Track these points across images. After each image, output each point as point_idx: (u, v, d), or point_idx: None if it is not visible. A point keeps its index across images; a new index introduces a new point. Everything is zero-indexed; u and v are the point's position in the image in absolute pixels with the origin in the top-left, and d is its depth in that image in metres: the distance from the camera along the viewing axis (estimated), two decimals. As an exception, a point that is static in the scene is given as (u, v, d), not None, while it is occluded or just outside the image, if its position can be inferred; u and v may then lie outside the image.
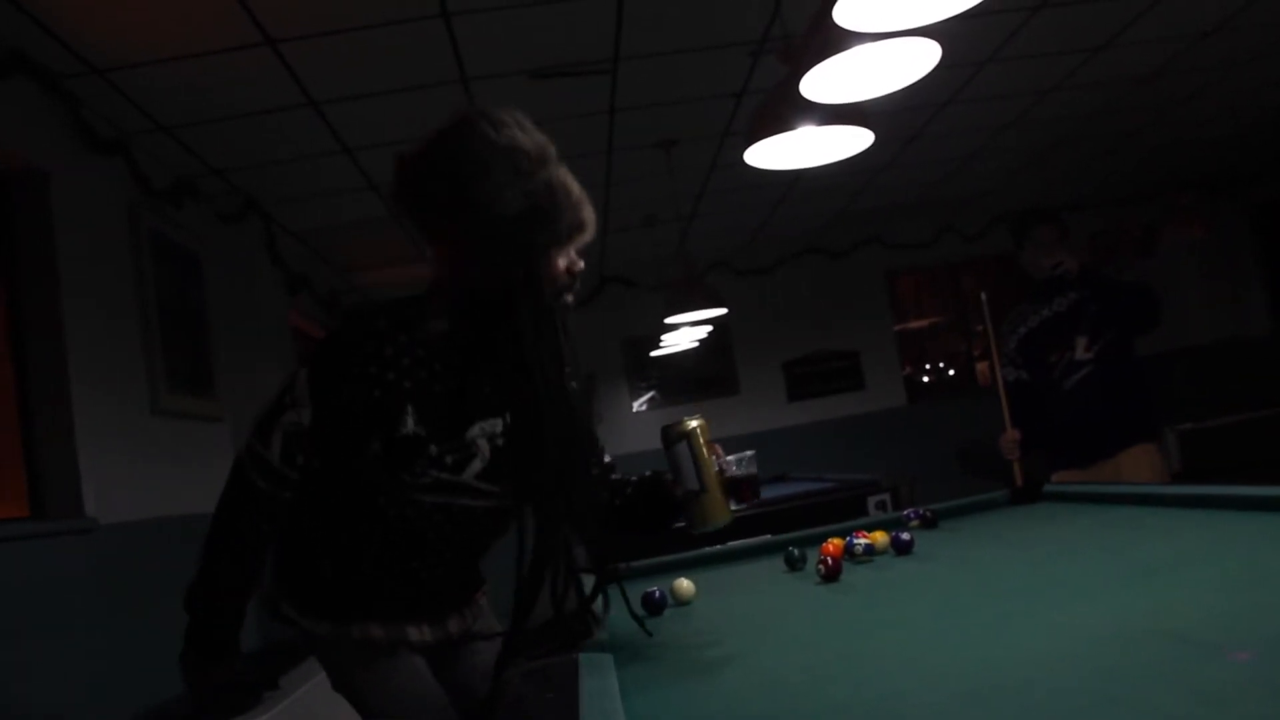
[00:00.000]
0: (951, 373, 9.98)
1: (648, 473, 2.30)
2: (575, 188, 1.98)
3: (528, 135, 1.95)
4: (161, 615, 4.10)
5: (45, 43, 3.69)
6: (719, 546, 3.23)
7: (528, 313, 1.93)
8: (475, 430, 2.03)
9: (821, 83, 2.77)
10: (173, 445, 4.64)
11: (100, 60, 3.89)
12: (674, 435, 2.15)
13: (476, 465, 2.04)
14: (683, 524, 2.22)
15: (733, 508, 2.18)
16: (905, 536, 2.64)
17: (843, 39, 2.54)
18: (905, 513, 3.22)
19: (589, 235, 2.01)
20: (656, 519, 2.29)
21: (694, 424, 2.14)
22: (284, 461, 1.97)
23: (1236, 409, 6.94)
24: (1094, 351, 4.23)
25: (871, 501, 4.76)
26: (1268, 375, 8.14)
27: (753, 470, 2.24)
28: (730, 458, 2.21)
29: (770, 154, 3.39)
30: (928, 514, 3.09)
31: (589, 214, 2.00)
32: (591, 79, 4.81)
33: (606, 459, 2.33)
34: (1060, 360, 4.31)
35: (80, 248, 4.07)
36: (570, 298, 2.05)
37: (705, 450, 2.13)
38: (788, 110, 3.04)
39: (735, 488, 2.19)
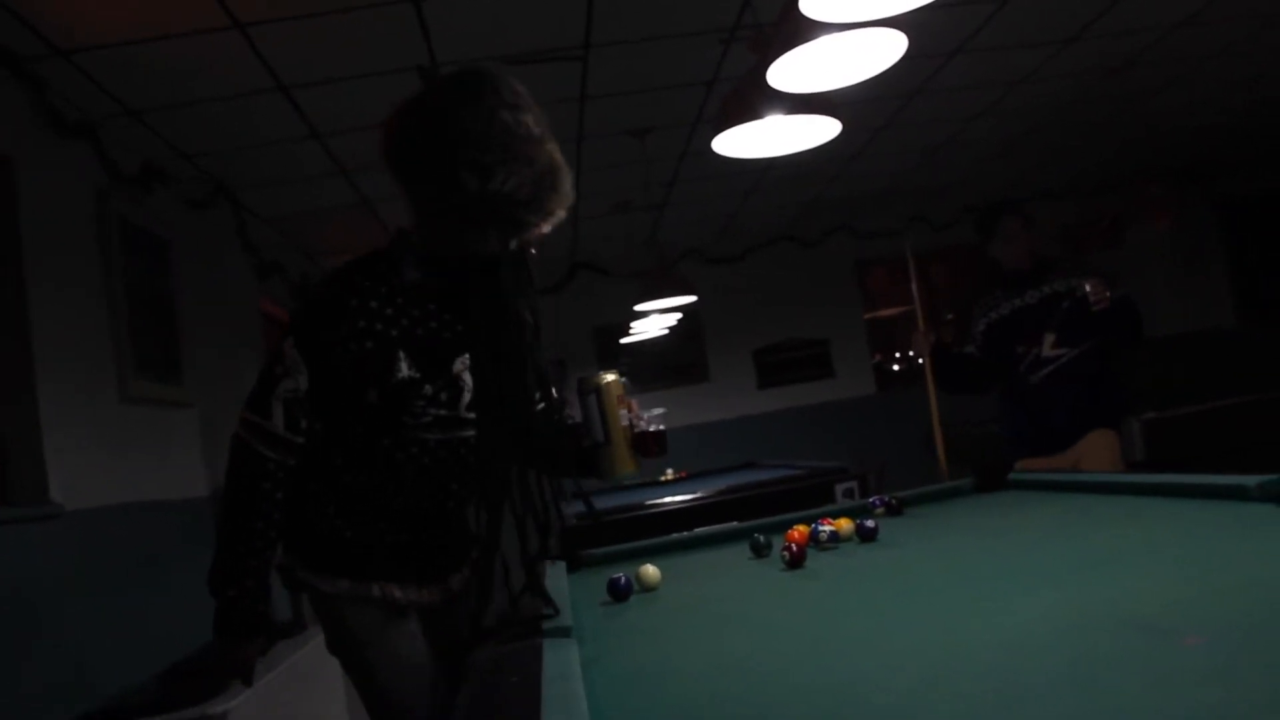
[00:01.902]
0: (921, 361, 10.01)
1: (576, 421, 2.43)
2: (562, 161, 2.05)
3: (535, 114, 2.01)
4: (129, 601, 4.10)
5: (7, 23, 3.63)
6: (685, 534, 3.24)
7: (510, 275, 2.06)
8: (458, 365, 2.12)
9: (789, 72, 2.77)
10: (141, 432, 4.60)
11: (65, 42, 3.84)
12: (586, 388, 2.32)
13: (467, 397, 2.14)
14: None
15: (638, 461, 2.36)
16: (870, 524, 2.65)
17: (810, 29, 2.54)
18: (871, 500, 3.23)
19: (570, 202, 2.08)
20: (572, 467, 2.41)
21: (607, 379, 2.31)
22: (289, 429, 2.04)
23: (1200, 399, 6.98)
24: (1062, 349, 4.27)
25: (839, 489, 4.78)
26: (1231, 366, 8.20)
27: (660, 427, 2.38)
28: (645, 414, 2.37)
29: (739, 142, 3.40)
30: (893, 501, 3.10)
31: (570, 184, 2.06)
32: (563, 66, 4.80)
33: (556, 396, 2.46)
34: (1027, 354, 4.34)
35: (47, 234, 4.02)
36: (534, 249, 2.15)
37: (613, 405, 2.29)
38: (756, 99, 3.04)
39: (641, 442, 2.34)
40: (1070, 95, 6.53)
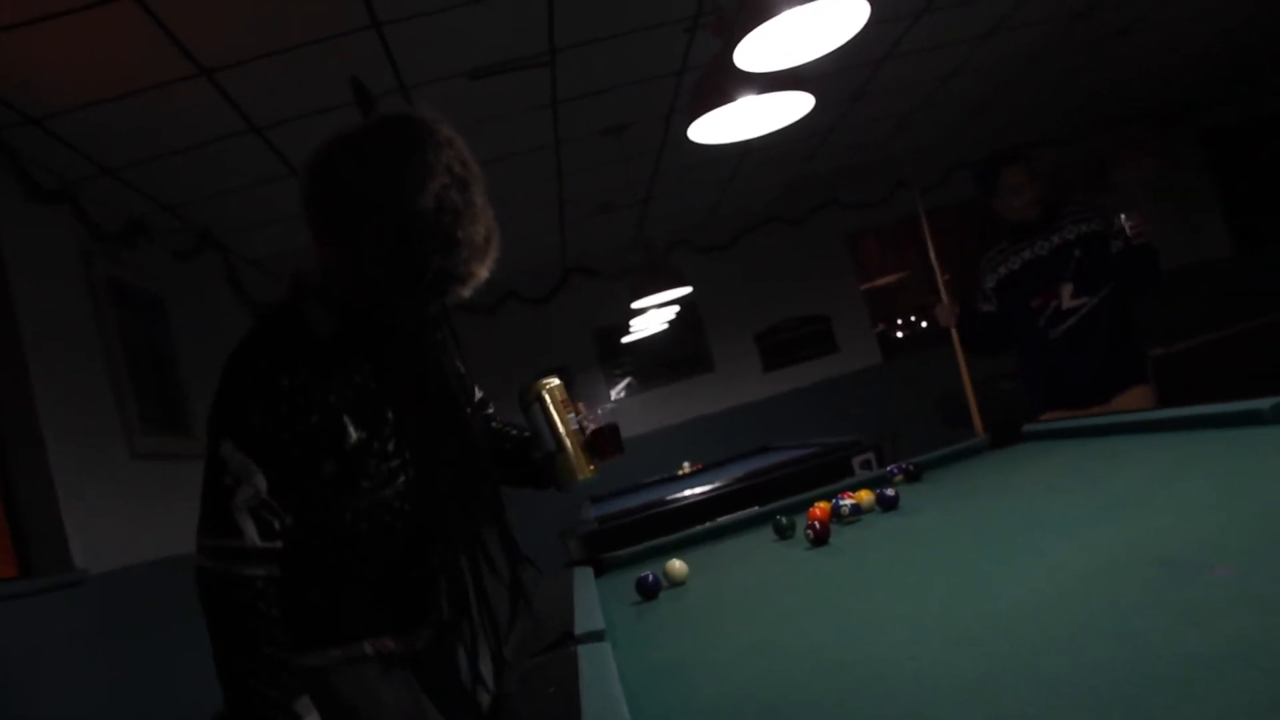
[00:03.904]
0: (924, 325, 10.01)
1: (527, 434, 2.31)
2: (494, 219, 1.90)
3: (478, 174, 1.86)
4: (161, 660, 4.11)
5: (-24, 98, 3.65)
6: (708, 525, 3.25)
7: (438, 334, 2.01)
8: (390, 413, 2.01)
9: (755, 51, 2.77)
10: (155, 487, 4.61)
11: (34, 109, 3.85)
12: (527, 399, 2.23)
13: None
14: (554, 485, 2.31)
15: (596, 463, 2.27)
16: (890, 493, 2.66)
17: (772, 5, 2.54)
18: (889, 469, 3.23)
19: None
20: (525, 480, 2.33)
21: (549, 385, 2.23)
22: (265, 537, 1.85)
23: (1207, 330, 6.98)
24: (1082, 299, 4.15)
25: (856, 462, 4.77)
26: (1231, 294, 8.21)
27: (613, 424, 2.32)
28: (595, 412, 2.33)
29: (714, 128, 3.39)
30: (910, 468, 3.11)
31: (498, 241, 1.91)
32: (531, 73, 4.80)
33: (479, 395, 2.37)
34: (1044, 307, 4.22)
35: (38, 301, 4.03)
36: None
37: (559, 410, 2.22)
38: (725, 83, 3.04)
39: (595, 443, 2.26)
40: (1039, 45, 6.52)
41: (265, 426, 1.83)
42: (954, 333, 4.49)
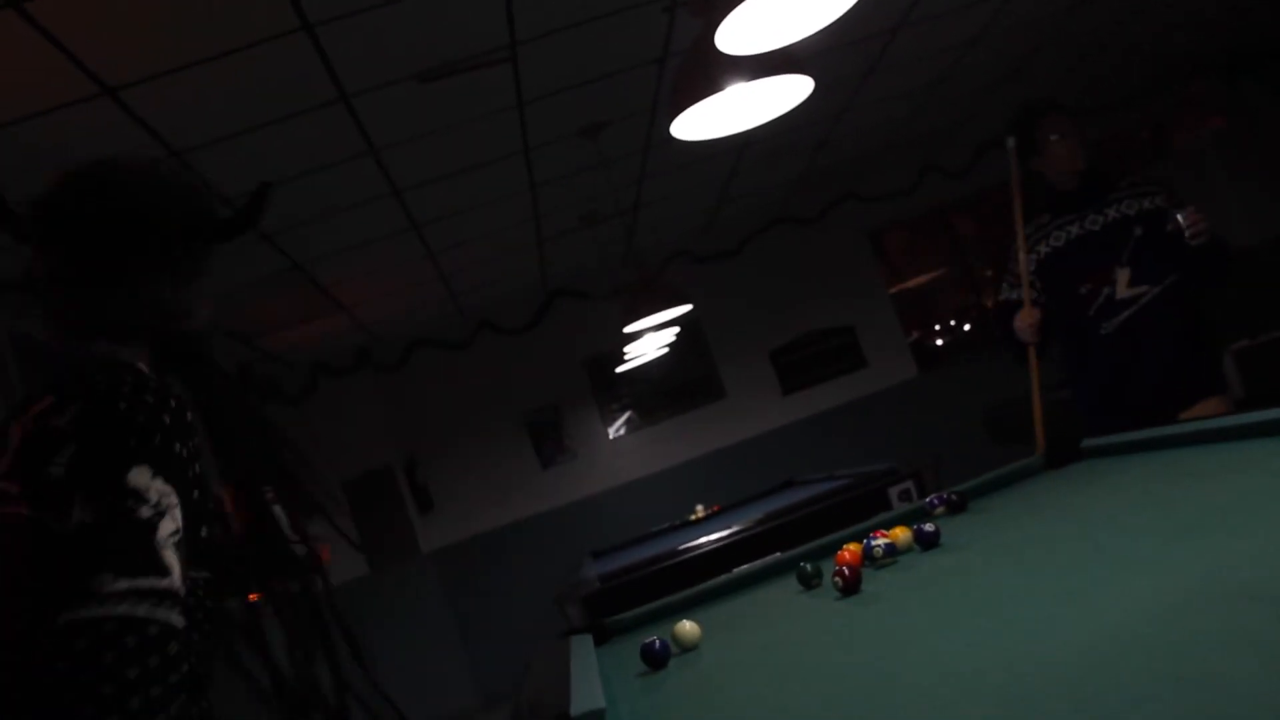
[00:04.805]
0: (966, 328, 9.98)
1: None
2: None
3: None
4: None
5: None
6: (724, 577, 3.23)
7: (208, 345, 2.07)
8: None
9: (741, 31, 2.76)
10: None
11: (-87, 144, 3.86)
12: (267, 499, 2.32)
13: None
14: None
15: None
16: (929, 528, 2.63)
17: (755, -24, 2.54)
18: (928, 500, 3.21)
19: None
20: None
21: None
22: (183, 583, 1.65)
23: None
24: (1141, 287, 3.97)
25: (894, 493, 4.74)
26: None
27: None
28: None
29: (701, 122, 3.39)
30: (953, 497, 3.08)
31: None
32: (491, 71, 4.80)
33: None
34: (1094, 294, 4.04)
35: (-68, 368, 4.02)
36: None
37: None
38: (710, 69, 3.03)
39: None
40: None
41: (183, 456, 1.72)
42: (1032, 360, 4.30)
